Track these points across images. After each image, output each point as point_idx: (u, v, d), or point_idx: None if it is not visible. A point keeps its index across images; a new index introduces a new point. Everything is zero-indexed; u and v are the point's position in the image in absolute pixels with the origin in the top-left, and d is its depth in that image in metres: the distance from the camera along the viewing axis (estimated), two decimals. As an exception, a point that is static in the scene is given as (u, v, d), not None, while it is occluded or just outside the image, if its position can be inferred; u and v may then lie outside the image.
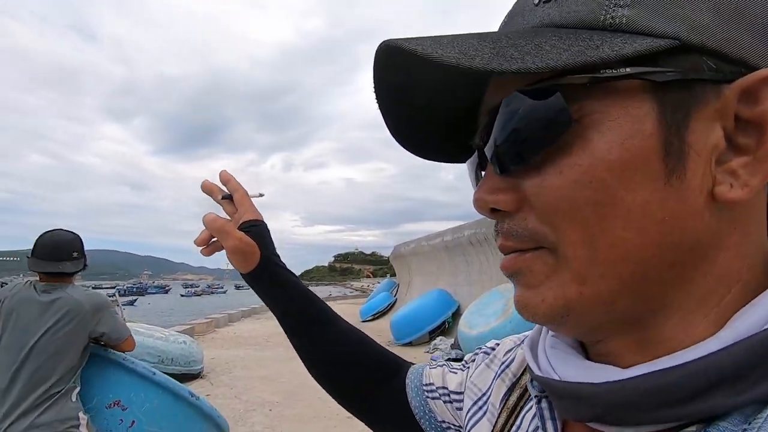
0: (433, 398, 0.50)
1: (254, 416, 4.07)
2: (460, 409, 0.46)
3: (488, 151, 0.29)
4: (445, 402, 0.49)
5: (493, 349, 0.47)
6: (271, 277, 0.58)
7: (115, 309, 1.87)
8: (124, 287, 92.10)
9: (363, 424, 0.58)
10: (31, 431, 1.59)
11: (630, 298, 0.26)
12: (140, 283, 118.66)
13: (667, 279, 0.25)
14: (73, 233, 1.93)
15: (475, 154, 0.35)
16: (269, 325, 11.79)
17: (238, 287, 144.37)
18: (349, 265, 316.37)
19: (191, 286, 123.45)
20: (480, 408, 0.42)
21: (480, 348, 0.49)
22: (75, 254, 1.83)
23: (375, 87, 0.31)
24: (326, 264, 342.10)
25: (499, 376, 0.42)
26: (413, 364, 0.57)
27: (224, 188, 0.62)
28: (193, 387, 5.26)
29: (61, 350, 1.70)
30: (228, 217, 0.62)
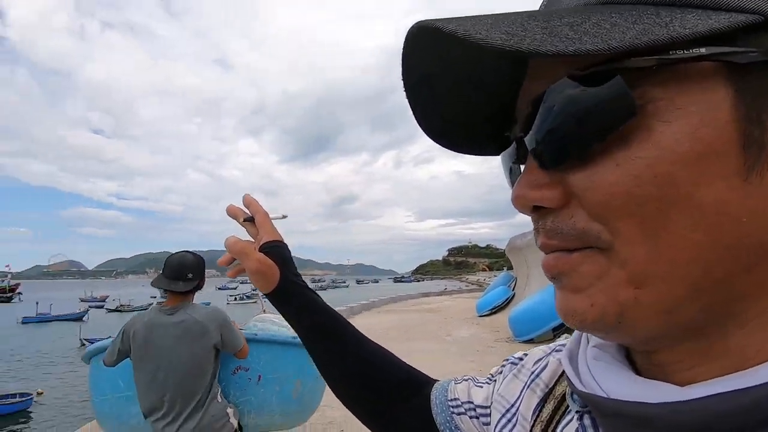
0: (459, 414, 0.49)
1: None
2: (488, 423, 0.45)
3: (530, 143, 0.26)
4: (471, 417, 0.47)
5: (521, 359, 0.45)
6: (292, 296, 0.59)
7: (231, 322, 2.07)
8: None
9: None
10: None
11: (695, 304, 0.22)
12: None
13: (739, 285, 0.22)
14: (196, 256, 2.16)
15: (513, 146, 0.31)
16: (386, 320, 12.21)
17: (359, 282, 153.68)
18: (463, 259, 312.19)
19: (318, 280, 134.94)
20: (509, 420, 0.40)
21: (507, 359, 0.47)
22: (190, 276, 2.02)
23: (404, 75, 0.28)
24: (440, 258, 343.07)
25: (528, 386, 0.40)
26: (437, 381, 0.56)
27: (247, 211, 0.64)
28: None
29: (200, 364, 1.92)
30: (251, 239, 0.64)
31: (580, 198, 0.24)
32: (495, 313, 12.23)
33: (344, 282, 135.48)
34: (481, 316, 12.21)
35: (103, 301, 56.48)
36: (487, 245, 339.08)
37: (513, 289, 13.13)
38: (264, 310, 9.63)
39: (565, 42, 0.21)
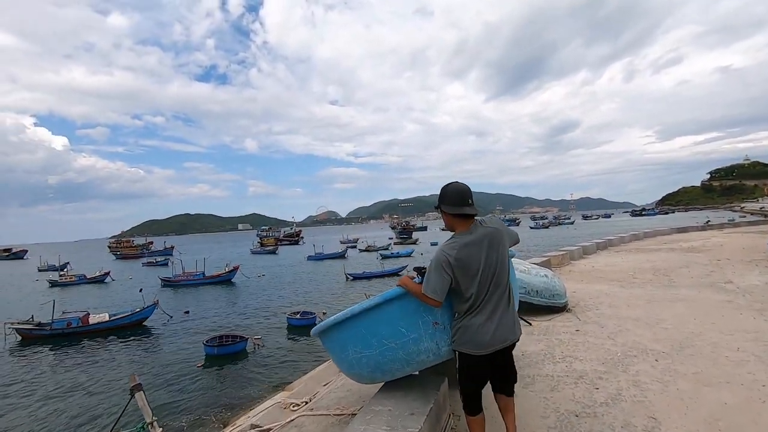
0: None
1: (636, 364, 3.60)
2: None
3: None
4: None
5: None
6: None
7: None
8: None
9: None
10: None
11: None
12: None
13: None
14: (464, 184, 2.39)
15: None
16: (632, 259, 10.50)
17: (585, 217, 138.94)
18: (735, 182, 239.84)
19: (540, 218, 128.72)
20: None
21: None
22: (470, 201, 2.27)
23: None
24: (698, 184, 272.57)
25: None
26: None
27: None
28: (560, 320, 5.30)
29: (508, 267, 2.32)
30: None
31: None
32: (806, 253, 8.87)
33: (569, 218, 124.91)
34: (779, 257, 9.08)
35: (356, 242, 68.97)
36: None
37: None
38: None
39: None
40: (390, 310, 2.41)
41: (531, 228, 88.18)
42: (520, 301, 5.59)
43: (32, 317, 16.26)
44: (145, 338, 15.73)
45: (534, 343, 4.39)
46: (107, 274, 37.39)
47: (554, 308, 5.57)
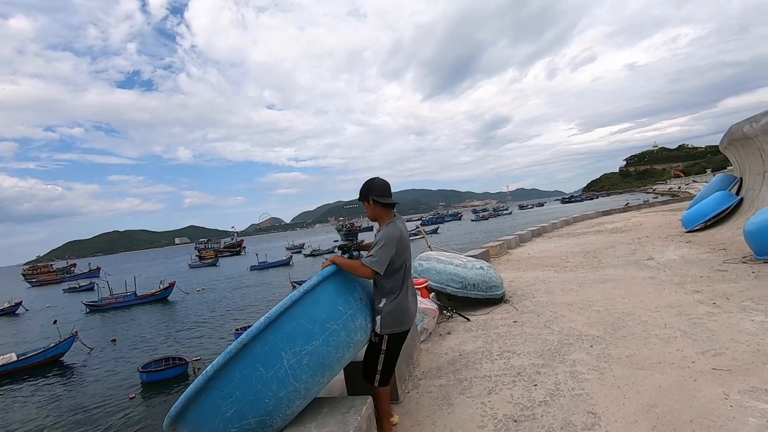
0: None
1: (573, 352, 3.50)
2: None
3: None
4: None
5: None
6: None
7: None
8: (427, 218, 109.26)
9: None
10: None
11: None
12: (438, 213, 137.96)
13: None
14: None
15: None
16: (564, 244, 10.89)
17: (521, 207, 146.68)
18: (647, 167, 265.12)
19: (479, 211, 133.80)
20: None
21: None
22: None
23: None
24: (617, 170, 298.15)
25: None
26: None
27: None
28: (498, 313, 5.19)
29: None
30: None
31: None
32: (711, 226, 9.65)
33: (506, 209, 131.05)
34: (689, 232, 9.81)
35: (301, 248, 67.43)
36: (679, 146, 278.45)
37: (739, 194, 10.06)
38: (429, 246, 9.30)
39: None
40: (328, 289, 2.28)
41: (472, 221, 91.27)
42: (458, 296, 5.44)
43: None
44: (63, 377, 14.03)
45: (472, 341, 4.20)
46: (19, 304, 33.43)
47: (492, 300, 5.47)
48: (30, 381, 13.79)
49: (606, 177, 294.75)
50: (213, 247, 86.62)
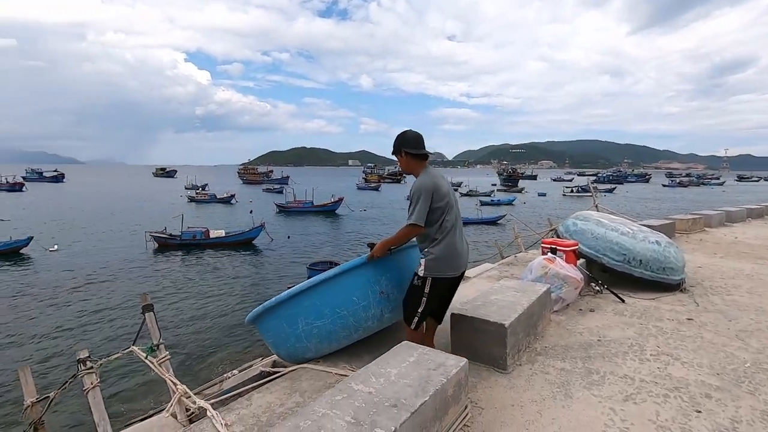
0: None
1: (774, 384, 2.49)
2: None
3: None
4: None
5: None
6: None
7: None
8: (604, 175, 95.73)
9: None
10: None
11: None
12: (619, 171, 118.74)
13: None
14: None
15: None
16: (799, 235, 8.01)
17: (740, 178, 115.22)
18: None
19: (678, 175, 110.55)
20: None
21: None
22: None
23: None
24: None
25: None
26: None
27: None
28: (668, 302, 4.10)
29: None
30: None
31: None
32: None
33: (717, 177, 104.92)
34: None
35: (458, 186, 67.59)
36: None
37: None
38: (596, 206, 7.97)
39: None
40: (348, 280, 2.63)
41: (664, 186, 76.31)
42: (616, 271, 4.47)
43: (165, 229, 19.15)
44: (251, 255, 17.64)
45: (620, 327, 3.41)
46: (233, 196, 42.44)
47: (664, 285, 4.35)
48: (232, 253, 17.79)
49: None
50: (378, 172, 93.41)
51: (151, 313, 2.86)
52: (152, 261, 16.27)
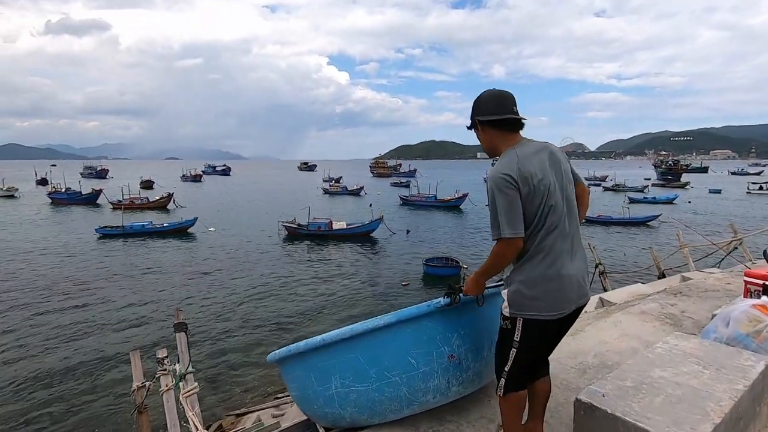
0: None
1: None
2: None
3: None
4: None
5: None
6: None
7: None
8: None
9: None
10: None
11: None
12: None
13: None
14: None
15: None
16: None
17: None
18: None
19: None
20: None
21: None
22: None
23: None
24: None
25: None
26: None
27: None
28: None
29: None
30: None
31: None
32: None
33: None
34: None
35: (602, 180, 59.69)
36: None
37: None
38: None
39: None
40: (402, 334, 1.90)
41: None
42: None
43: (294, 219, 20.78)
44: (368, 247, 18.03)
45: None
46: (362, 188, 44.69)
47: None
48: (352, 244, 18.45)
49: None
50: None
51: (183, 333, 2.49)
52: (281, 248, 17.77)
